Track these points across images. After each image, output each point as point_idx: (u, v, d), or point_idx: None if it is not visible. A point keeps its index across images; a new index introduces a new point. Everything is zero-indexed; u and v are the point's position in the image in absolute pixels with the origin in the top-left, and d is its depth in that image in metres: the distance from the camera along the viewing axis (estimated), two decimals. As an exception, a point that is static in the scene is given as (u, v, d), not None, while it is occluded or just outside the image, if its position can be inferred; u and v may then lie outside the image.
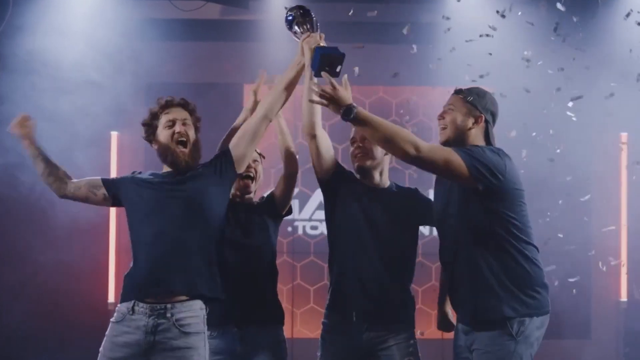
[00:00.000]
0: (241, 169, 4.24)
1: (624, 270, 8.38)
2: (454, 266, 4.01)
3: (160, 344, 3.96)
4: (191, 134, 4.19)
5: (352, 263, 4.28)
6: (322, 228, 8.04)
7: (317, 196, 8.12)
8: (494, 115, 4.05)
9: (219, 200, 4.15)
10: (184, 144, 4.15)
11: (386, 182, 4.42)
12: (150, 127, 4.20)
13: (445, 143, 4.02)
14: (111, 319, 4.07)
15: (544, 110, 7.33)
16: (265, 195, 4.67)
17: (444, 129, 4.05)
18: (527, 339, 3.87)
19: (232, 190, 4.46)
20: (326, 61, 3.89)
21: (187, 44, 8.23)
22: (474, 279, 3.91)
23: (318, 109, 4.20)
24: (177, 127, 4.14)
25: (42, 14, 7.65)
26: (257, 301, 4.39)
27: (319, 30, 4.12)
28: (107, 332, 4.04)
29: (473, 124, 4.00)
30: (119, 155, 8.19)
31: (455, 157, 3.81)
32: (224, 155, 4.21)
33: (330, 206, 4.40)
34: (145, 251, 4.02)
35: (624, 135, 8.40)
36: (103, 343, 4.04)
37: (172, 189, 4.08)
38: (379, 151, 4.34)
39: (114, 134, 8.19)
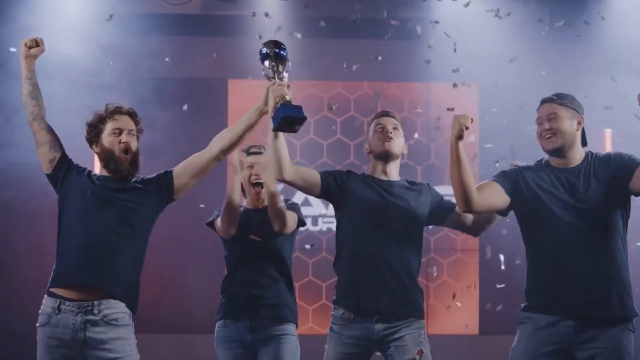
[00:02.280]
0: (178, 197, 4.27)
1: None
2: (577, 261, 4.01)
3: (92, 340, 4.00)
4: (135, 145, 4.22)
5: (364, 255, 4.32)
6: (308, 224, 8.02)
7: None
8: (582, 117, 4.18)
9: (150, 217, 4.22)
10: (127, 153, 4.18)
11: (397, 177, 4.48)
12: (95, 128, 4.22)
13: (555, 150, 4.10)
14: (37, 324, 4.09)
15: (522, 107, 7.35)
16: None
17: (551, 137, 4.09)
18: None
19: (248, 198, 4.76)
20: (287, 121, 3.87)
21: (172, 39, 8.19)
22: (609, 275, 3.98)
23: (285, 159, 4.18)
24: (124, 137, 4.17)
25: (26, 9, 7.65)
26: (266, 301, 4.59)
27: (288, 71, 4.02)
28: (37, 338, 4.08)
29: (578, 125, 4.11)
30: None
31: None
32: (166, 179, 4.23)
33: (339, 205, 4.44)
34: (73, 248, 4.07)
35: (608, 132, 8.42)
36: (38, 349, 4.07)
37: (112, 195, 4.14)
38: (401, 145, 4.45)
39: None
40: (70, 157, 4.25)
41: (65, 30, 7.66)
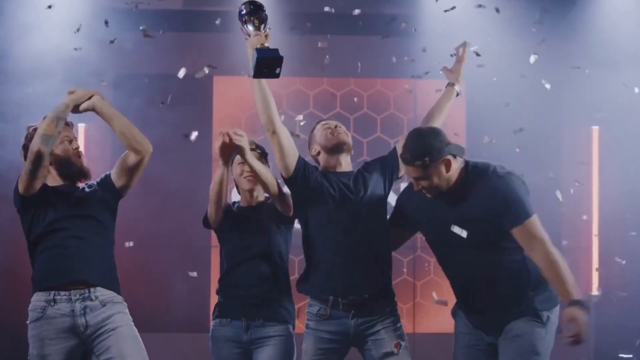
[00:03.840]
0: (126, 193, 4.45)
1: (595, 265, 8.39)
2: (473, 278, 4.10)
3: (92, 324, 4.15)
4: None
5: (334, 250, 4.31)
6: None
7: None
8: (449, 144, 4.03)
9: (112, 216, 4.41)
10: (80, 157, 4.40)
11: (350, 168, 4.51)
12: None
13: (438, 195, 4.07)
14: (27, 321, 4.18)
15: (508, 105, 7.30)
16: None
17: (429, 194, 4.06)
18: (553, 325, 4.11)
19: (242, 196, 4.70)
20: (264, 64, 3.96)
21: (156, 35, 8.12)
22: (501, 293, 4.06)
23: (272, 103, 4.27)
24: (75, 144, 4.38)
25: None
26: (262, 301, 4.54)
27: (267, 28, 4.16)
28: (30, 334, 4.18)
29: (446, 168, 4.00)
30: (86, 147, 8.08)
31: None
32: (107, 183, 4.40)
33: (301, 200, 4.42)
34: (59, 250, 4.22)
35: (595, 129, 8.41)
36: (30, 345, 4.16)
37: (78, 201, 4.31)
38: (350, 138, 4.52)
39: (82, 126, 8.09)
40: None
41: (62, 27, 7.65)
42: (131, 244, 7.22)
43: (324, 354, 4.36)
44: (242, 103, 8.24)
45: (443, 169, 3.98)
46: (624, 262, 7.97)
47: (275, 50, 3.98)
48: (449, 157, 3.98)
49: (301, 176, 4.35)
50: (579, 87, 7.73)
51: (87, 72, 7.58)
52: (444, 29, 7.39)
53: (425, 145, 3.98)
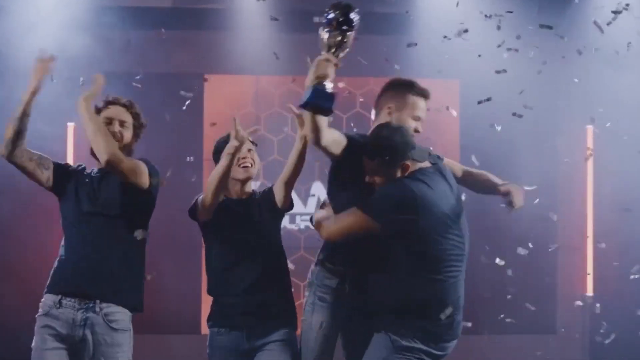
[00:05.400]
0: (146, 187, 4.22)
1: (590, 265, 8.39)
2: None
3: (88, 338, 4.06)
4: (126, 135, 4.22)
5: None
6: (285, 222, 7.91)
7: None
8: (413, 148, 3.93)
9: (132, 212, 4.21)
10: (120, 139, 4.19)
11: None
12: None
13: None
14: (37, 315, 4.15)
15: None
16: (262, 190, 4.46)
17: (375, 186, 3.97)
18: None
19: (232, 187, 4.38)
20: (312, 108, 3.66)
21: (147, 33, 8.08)
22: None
23: (323, 120, 3.85)
24: (115, 127, 4.17)
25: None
26: (262, 307, 4.27)
27: (349, 43, 3.72)
28: (35, 328, 4.12)
29: (403, 173, 3.92)
30: (75, 146, 8.05)
31: None
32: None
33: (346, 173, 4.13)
34: (74, 252, 4.12)
35: (589, 129, 8.39)
36: (34, 338, 4.11)
37: (105, 194, 4.16)
38: None
39: (71, 125, 8.06)
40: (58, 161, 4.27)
41: (63, 27, 7.63)
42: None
43: (337, 329, 4.21)
44: (234, 101, 8.18)
45: (399, 172, 3.91)
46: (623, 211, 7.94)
47: (330, 99, 3.60)
48: (408, 162, 3.91)
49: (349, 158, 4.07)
50: (574, 86, 7.70)
51: (87, 72, 7.56)
52: (441, 28, 7.35)
53: (391, 143, 3.89)
